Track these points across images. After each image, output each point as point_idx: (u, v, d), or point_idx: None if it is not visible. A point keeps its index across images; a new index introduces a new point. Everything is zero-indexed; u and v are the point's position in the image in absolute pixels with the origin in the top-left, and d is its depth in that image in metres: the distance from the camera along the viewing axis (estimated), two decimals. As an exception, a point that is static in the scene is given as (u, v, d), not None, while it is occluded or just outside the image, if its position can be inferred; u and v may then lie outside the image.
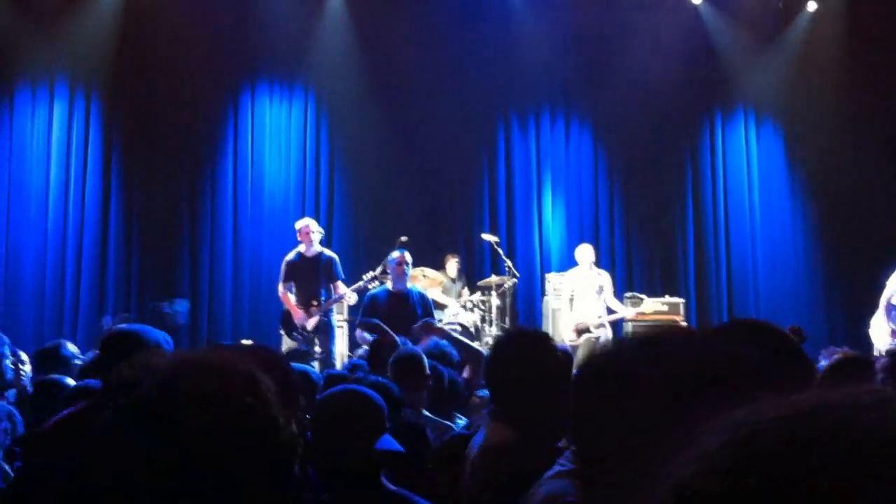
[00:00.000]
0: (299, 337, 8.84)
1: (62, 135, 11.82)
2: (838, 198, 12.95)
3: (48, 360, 5.25)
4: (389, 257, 8.64)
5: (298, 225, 9.42)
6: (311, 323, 8.99)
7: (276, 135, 12.55)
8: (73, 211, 11.75)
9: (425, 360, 4.88)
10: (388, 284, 8.57)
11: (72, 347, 5.52)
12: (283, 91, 12.64)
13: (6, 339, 5.38)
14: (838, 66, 12.96)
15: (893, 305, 8.76)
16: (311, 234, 9.18)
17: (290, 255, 9.27)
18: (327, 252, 9.37)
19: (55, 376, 4.59)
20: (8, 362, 5.14)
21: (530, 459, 2.33)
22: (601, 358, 1.61)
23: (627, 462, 1.40)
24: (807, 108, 13.10)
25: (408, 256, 8.55)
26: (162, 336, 3.23)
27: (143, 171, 12.03)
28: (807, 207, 13.19)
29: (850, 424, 0.70)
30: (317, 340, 9.00)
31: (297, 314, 9.01)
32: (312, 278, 9.07)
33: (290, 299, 9.11)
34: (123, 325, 3.73)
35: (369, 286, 8.98)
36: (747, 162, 13.30)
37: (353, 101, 12.54)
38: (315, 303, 9.02)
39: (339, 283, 9.17)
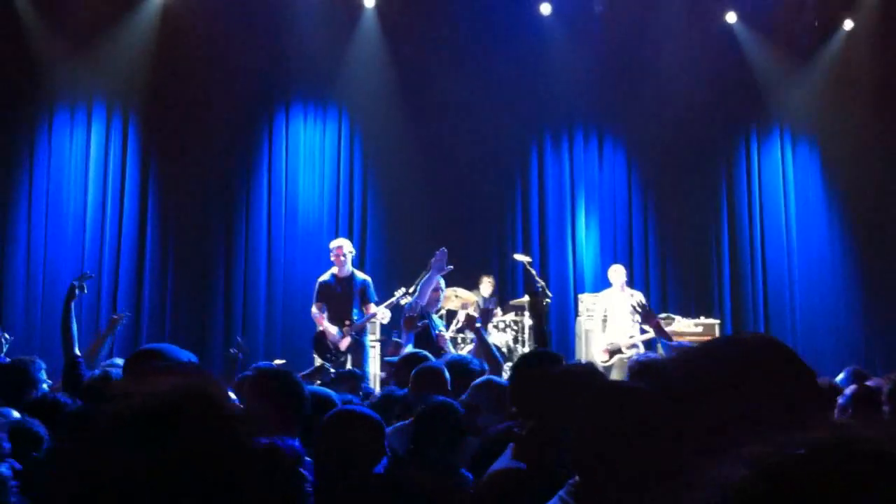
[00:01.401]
0: (332, 358, 8.86)
1: (99, 156, 11.95)
2: (875, 217, 12.79)
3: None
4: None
5: (332, 245, 9.47)
6: (343, 343, 9.03)
7: (310, 154, 12.61)
8: (111, 231, 11.86)
9: (446, 373, 4.93)
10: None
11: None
12: (318, 111, 12.71)
13: None
14: (875, 84, 12.83)
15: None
16: (344, 255, 9.22)
17: (325, 277, 9.32)
18: (360, 275, 9.42)
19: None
20: None
21: (538, 489, 2.30)
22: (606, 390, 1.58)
23: (629, 494, 1.39)
24: (843, 127, 12.95)
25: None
26: (186, 355, 3.21)
27: (179, 190, 12.12)
28: (844, 227, 13.02)
29: (876, 463, 0.70)
30: (349, 361, 9.02)
31: (331, 334, 9.05)
32: (345, 299, 9.12)
33: (324, 320, 9.14)
34: (149, 345, 3.72)
35: (401, 302, 9.01)
36: (783, 181, 13.17)
37: (386, 122, 12.59)
38: (348, 322, 9.05)
39: (371, 305, 9.22)
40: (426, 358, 5.90)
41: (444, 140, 12.62)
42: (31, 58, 11.62)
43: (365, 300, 9.21)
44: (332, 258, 9.32)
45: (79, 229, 11.74)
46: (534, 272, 11.18)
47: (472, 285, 11.30)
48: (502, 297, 11.81)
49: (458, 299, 10.65)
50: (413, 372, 4.98)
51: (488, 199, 12.78)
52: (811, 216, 13.07)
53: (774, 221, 13.05)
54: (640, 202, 13.04)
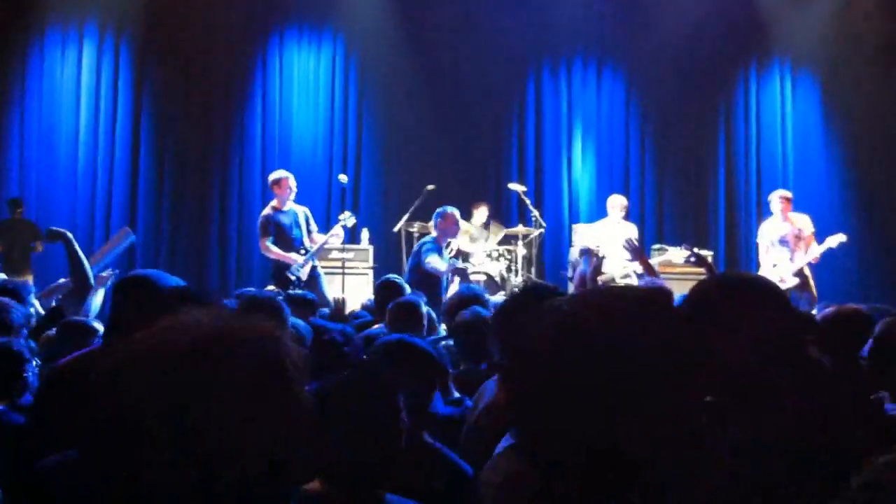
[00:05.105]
0: (295, 289, 8.55)
1: (91, 78, 11.86)
2: (875, 152, 12.66)
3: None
4: (437, 211, 8.88)
5: (278, 176, 9.09)
6: (305, 272, 8.83)
7: (304, 80, 12.50)
8: (104, 154, 11.83)
9: (423, 307, 4.88)
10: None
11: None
12: (313, 36, 12.58)
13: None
14: (879, 17, 12.60)
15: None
16: (290, 188, 8.98)
17: (268, 211, 8.99)
18: (300, 207, 9.16)
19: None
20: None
21: None
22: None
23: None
24: (845, 60, 12.74)
25: (451, 217, 8.68)
26: (175, 281, 3.21)
27: (173, 115, 12.06)
28: (843, 162, 12.91)
29: None
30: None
31: (292, 264, 8.88)
32: (294, 232, 8.95)
33: (278, 251, 8.86)
34: (137, 270, 3.71)
35: (348, 224, 8.93)
36: (782, 114, 13.04)
37: (382, 48, 12.44)
38: (303, 251, 8.89)
39: (316, 234, 9.08)
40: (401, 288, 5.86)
41: (440, 68, 12.51)
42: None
43: (310, 230, 9.07)
44: (278, 190, 8.97)
45: (71, 153, 11.70)
46: (528, 201, 11.17)
47: (467, 214, 11.23)
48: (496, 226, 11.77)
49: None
50: (389, 305, 4.88)
51: (485, 127, 12.69)
52: (809, 149, 12.96)
53: (771, 154, 12.96)
54: (637, 132, 12.95)
